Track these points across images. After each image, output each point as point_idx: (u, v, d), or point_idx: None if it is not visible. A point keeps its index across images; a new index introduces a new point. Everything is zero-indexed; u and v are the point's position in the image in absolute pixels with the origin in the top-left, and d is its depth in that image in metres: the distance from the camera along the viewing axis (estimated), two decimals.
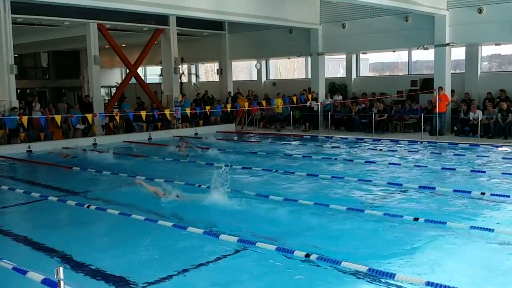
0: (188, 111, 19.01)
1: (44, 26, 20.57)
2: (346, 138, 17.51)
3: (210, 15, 17.44)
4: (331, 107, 20.69)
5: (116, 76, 32.46)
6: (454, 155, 13.51)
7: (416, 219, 7.07)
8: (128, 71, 22.36)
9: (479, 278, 5.24)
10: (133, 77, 21.95)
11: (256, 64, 26.01)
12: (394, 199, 8.64)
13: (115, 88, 28.56)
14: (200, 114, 20.64)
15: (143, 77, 26.91)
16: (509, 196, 8.34)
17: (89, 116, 16.47)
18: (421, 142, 15.98)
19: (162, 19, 20.83)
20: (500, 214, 7.62)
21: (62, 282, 3.58)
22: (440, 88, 17.62)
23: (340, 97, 21.39)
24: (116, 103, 22.48)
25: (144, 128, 19.73)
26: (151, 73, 31.44)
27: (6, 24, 16.19)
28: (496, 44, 18.60)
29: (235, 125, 22.16)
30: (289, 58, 25.47)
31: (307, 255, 5.52)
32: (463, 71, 19.70)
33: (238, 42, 24.69)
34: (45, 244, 6.48)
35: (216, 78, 27.35)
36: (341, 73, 25.07)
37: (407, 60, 21.99)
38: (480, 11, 17.12)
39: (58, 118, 16.19)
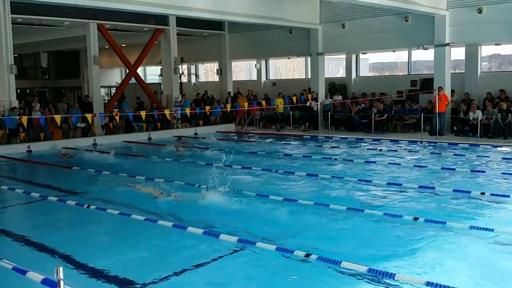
0: (188, 111, 19.02)
1: (44, 26, 20.57)
2: (346, 138, 17.51)
3: (210, 15, 17.44)
4: (331, 107, 20.70)
5: (116, 76, 32.46)
6: (454, 155, 13.51)
7: (416, 219, 7.08)
8: (128, 71, 22.36)
9: (479, 278, 5.24)
10: (133, 77, 21.95)
11: (256, 64, 26.01)
12: (394, 199, 8.64)
13: (115, 88, 28.56)
14: (200, 114, 20.65)
15: (143, 77, 26.91)
16: (509, 196, 8.34)
17: (89, 116, 16.48)
18: (421, 142, 15.98)
19: (162, 19, 20.83)
20: (500, 214, 7.63)
21: (62, 282, 3.58)
22: (440, 88, 17.63)
23: (340, 97, 21.39)
24: (116, 103, 22.49)
25: (144, 128, 19.73)
26: (151, 73, 31.44)
27: (6, 24, 16.19)
28: (496, 44, 18.60)
29: (235, 125, 22.17)
30: (289, 58, 25.47)
31: (307, 255, 5.52)
32: (463, 71, 19.69)
33: (238, 42, 24.69)
34: (45, 244, 6.49)
35: (216, 78, 27.35)
36: (341, 73, 25.07)
37: (407, 60, 21.99)
38: (480, 11, 17.13)
39: (58, 118, 16.19)
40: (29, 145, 15.98)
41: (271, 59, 25.90)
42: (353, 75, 22.76)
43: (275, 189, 9.37)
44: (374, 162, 12.37)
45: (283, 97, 21.10)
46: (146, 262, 5.81)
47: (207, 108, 19.50)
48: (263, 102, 19.95)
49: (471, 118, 16.99)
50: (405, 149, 14.82)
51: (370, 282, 5.03)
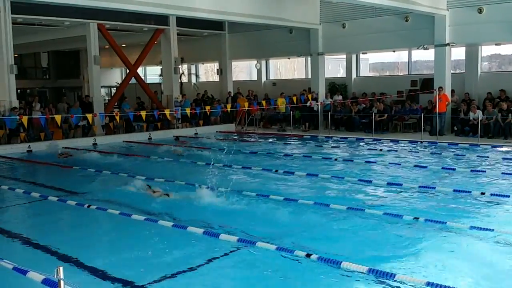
0: (188, 111, 19.02)
1: (44, 26, 20.58)
2: (346, 138, 17.51)
3: (210, 15, 17.44)
4: (331, 107, 20.69)
5: (116, 76, 32.47)
6: (454, 155, 13.51)
7: (416, 218, 7.07)
8: (128, 71, 22.36)
9: (479, 278, 5.24)
10: (133, 77, 21.95)
11: (256, 64, 26.01)
12: (394, 199, 8.64)
13: (115, 88, 28.56)
14: (200, 114, 20.66)
15: (143, 77, 26.91)
16: (509, 196, 8.34)
17: (89, 116, 16.48)
18: (421, 142, 15.98)
19: (162, 19, 20.83)
20: (500, 214, 7.63)
21: (62, 282, 3.58)
22: (440, 88, 17.62)
23: (340, 97, 21.39)
24: (116, 103, 22.49)
25: (144, 128, 19.73)
26: (151, 73, 31.44)
27: (6, 24, 16.19)
28: (496, 44, 18.60)
29: (235, 125, 22.17)
30: (289, 58, 25.48)
31: (308, 255, 5.52)
32: (463, 71, 19.69)
33: (238, 42, 24.69)
34: (45, 244, 6.48)
35: (216, 78, 27.35)
36: (341, 73, 25.08)
37: (407, 60, 21.99)
38: (480, 11, 17.12)
39: (58, 118, 16.19)
40: (29, 145, 15.99)
41: (271, 59, 25.90)
42: (353, 75, 22.75)
43: (275, 189, 9.36)
44: (374, 162, 12.37)
45: (284, 97, 21.10)
46: (146, 262, 5.80)
47: (207, 108, 19.50)
48: (263, 102, 19.95)
49: (471, 118, 16.98)
50: (405, 149, 14.83)
51: (371, 282, 5.03)
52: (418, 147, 15.18)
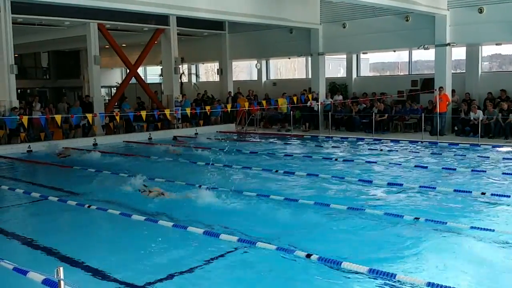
0: (188, 111, 19.02)
1: (44, 26, 20.58)
2: (347, 138, 17.51)
3: (211, 15, 17.44)
4: (331, 107, 20.68)
5: (116, 76, 32.47)
6: (455, 155, 13.50)
7: (416, 218, 7.06)
8: (128, 71, 22.36)
9: (480, 278, 5.24)
10: (133, 77, 21.95)
11: (256, 64, 26.01)
12: (394, 199, 8.63)
13: (115, 88, 28.56)
14: (200, 114, 20.65)
15: (143, 77, 26.90)
16: (509, 196, 8.33)
17: (89, 116, 16.48)
18: (422, 142, 15.97)
19: (163, 19, 20.83)
20: (500, 214, 7.62)
21: (62, 282, 3.58)
22: (441, 88, 17.62)
23: (341, 97, 21.38)
24: (116, 103, 22.49)
25: (144, 128, 19.73)
26: (151, 73, 31.44)
27: (6, 24, 16.19)
28: (496, 44, 18.58)
29: (235, 125, 22.17)
30: (289, 58, 25.46)
31: (308, 256, 5.51)
32: (464, 71, 19.68)
33: (238, 42, 24.68)
34: (45, 244, 6.48)
35: (216, 78, 27.34)
36: (341, 73, 25.07)
37: (407, 60, 21.98)
38: (480, 11, 17.12)
39: (58, 118, 16.19)
40: (29, 145, 15.99)
41: (271, 59, 25.90)
42: (354, 75, 22.74)
43: (275, 189, 9.35)
44: (375, 162, 12.37)
45: (285, 97, 21.09)
46: (147, 262, 5.80)
47: (208, 108, 19.50)
48: (264, 102, 19.95)
49: (471, 118, 16.98)
50: (405, 149, 14.82)
51: (371, 282, 5.02)
52: (418, 147, 15.17)
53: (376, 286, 4.97)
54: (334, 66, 26.46)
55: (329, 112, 19.82)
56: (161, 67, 23.80)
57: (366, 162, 12.48)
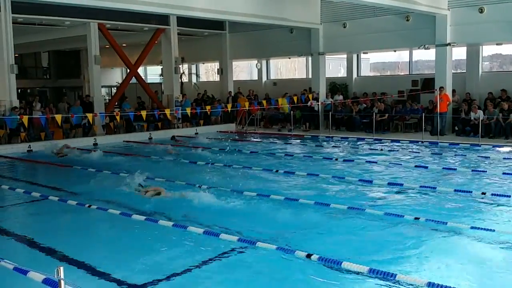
0: (188, 111, 19.02)
1: (44, 26, 20.58)
2: (347, 138, 17.50)
3: (211, 14, 17.44)
4: (331, 107, 20.68)
5: (116, 75, 32.48)
6: (455, 155, 13.50)
7: (417, 218, 7.06)
8: (128, 70, 22.37)
9: (480, 278, 5.24)
10: (133, 77, 21.95)
11: (256, 64, 26.01)
12: (395, 199, 8.63)
13: (115, 88, 28.57)
14: (201, 114, 20.65)
15: (143, 77, 26.90)
16: (510, 196, 8.33)
17: (89, 115, 16.48)
18: (422, 142, 15.97)
19: (163, 19, 20.83)
20: (501, 214, 7.62)
21: (62, 282, 3.58)
22: (441, 88, 17.61)
23: (341, 97, 21.38)
24: (116, 103, 22.50)
25: (145, 128, 19.74)
26: (152, 73, 31.45)
27: (6, 24, 16.19)
28: (497, 44, 18.58)
29: (235, 125, 22.17)
30: (289, 58, 25.46)
31: (308, 256, 5.50)
32: (464, 71, 19.67)
33: (238, 41, 24.68)
34: (46, 244, 6.48)
35: (216, 78, 27.35)
36: (342, 72, 25.06)
37: (408, 60, 21.98)
38: (481, 11, 17.11)
39: (58, 117, 16.19)
40: (29, 145, 15.99)
41: (272, 58, 25.90)
42: (354, 75, 22.74)
43: (276, 189, 9.34)
44: (375, 162, 12.36)
45: (286, 97, 21.10)
46: (147, 261, 5.79)
47: (208, 108, 19.50)
48: (264, 102, 19.95)
49: (472, 118, 16.97)
50: (406, 149, 14.81)
51: (371, 282, 5.02)
52: (419, 147, 15.17)
53: (377, 286, 4.97)
54: (335, 66, 26.45)
55: (330, 112, 19.82)
56: (162, 67, 23.80)
57: (366, 162, 12.48)
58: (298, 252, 5.63)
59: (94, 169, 11.95)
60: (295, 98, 20.33)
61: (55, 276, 3.57)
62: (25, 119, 15.11)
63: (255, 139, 18.49)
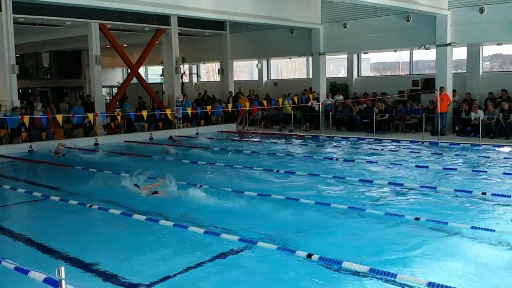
0: (189, 111, 19.02)
1: (45, 26, 20.61)
2: (348, 138, 17.51)
3: (212, 15, 17.44)
4: (332, 107, 20.68)
5: (117, 76, 32.50)
6: (456, 155, 13.50)
7: (417, 218, 7.06)
8: (129, 71, 22.39)
9: (480, 278, 5.24)
10: (134, 77, 21.97)
11: (257, 64, 26.02)
12: (395, 199, 8.64)
13: (116, 88, 28.58)
14: (201, 114, 20.66)
15: (144, 77, 26.92)
16: (510, 196, 8.32)
17: (90, 115, 16.49)
18: (423, 142, 15.97)
19: (164, 19, 20.84)
20: (501, 214, 7.62)
21: (63, 282, 3.59)
22: (442, 88, 17.61)
23: (341, 97, 21.38)
24: (117, 103, 22.51)
25: (146, 128, 19.76)
26: (153, 73, 31.46)
27: (7, 24, 16.21)
28: (497, 44, 18.58)
29: (236, 125, 22.17)
30: (290, 58, 25.46)
31: (309, 256, 5.51)
32: (465, 71, 19.67)
33: (239, 42, 24.69)
34: (46, 244, 6.50)
35: (217, 78, 27.36)
36: (342, 73, 25.06)
37: (408, 60, 21.98)
38: (481, 11, 17.11)
39: (59, 117, 16.21)
40: (30, 145, 16.01)
41: (272, 59, 25.91)
42: (355, 75, 22.74)
43: (276, 189, 9.35)
44: (376, 162, 12.37)
45: (284, 97, 21.10)
46: (148, 261, 5.81)
47: (209, 108, 19.51)
48: (265, 102, 19.96)
49: (472, 118, 16.97)
50: (406, 149, 14.81)
51: (372, 282, 5.03)
52: (419, 147, 15.17)
53: (377, 286, 4.98)
54: (335, 66, 26.46)
55: (330, 112, 19.82)
56: (162, 67, 23.81)
57: (366, 162, 12.48)
58: (299, 252, 5.63)
59: (95, 169, 11.97)
60: (295, 98, 20.33)
61: (56, 276, 3.59)
62: (26, 119, 15.13)
63: (255, 139, 18.50)
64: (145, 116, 17.87)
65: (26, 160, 14.51)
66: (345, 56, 22.94)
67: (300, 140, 17.76)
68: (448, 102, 17.69)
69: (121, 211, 7.85)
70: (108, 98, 29.13)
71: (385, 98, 20.11)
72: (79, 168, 12.35)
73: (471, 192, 8.75)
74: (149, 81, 27.40)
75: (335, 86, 22.67)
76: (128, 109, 19.95)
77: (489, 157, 12.92)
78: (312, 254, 5.49)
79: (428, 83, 19.65)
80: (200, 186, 9.42)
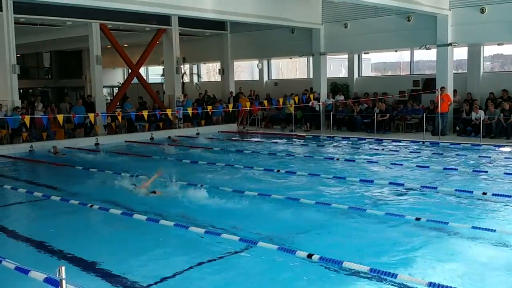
0: (189, 111, 19.02)
1: (46, 26, 20.62)
2: (348, 138, 17.50)
3: (212, 15, 17.45)
4: (333, 107, 20.68)
5: (118, 76, 32.51)
6: (456, 155, 13.49)
7: (418, 219, 7.06)
8: (130, 71, 22.40)
9: (481, 278, 5.24)
10: (135, 77, 21.97)
11: (258, 64, 26.02)
12: (396, 199, 8.63)
13: (117, 88, 28.60)
14: (202, 114, 20.66)
15: (145, 77, 26.95)
16: (511, 196, 8.32)
17: (91, 115, 16.50)
18: (423, 142, 15.96)
19: (164, 19, 20.85)
20: (502, 214, 7.62)
21: (64, 281, 3.59)
22: (442, 88, 17.60)
23: (342, 97, 21.38)
24: (118, 103, 22.52)
25: (146, 128, 19.76)
26: (153, 73, 31.47)
27: (8, 24, 16.23)
28: (498, 44, 18.57)
29: (237, 125, 22.18)
30: (291, 58, 25.47)
31: (309, 256, 5.51)
32: (465, 71, 19.67)
33: (240, 42, 24.69)
34: (47, 243, 6.50)
35: (218, 78, 27.36)
36: (343, 73, 25.06)
37: (409, 60, 21.97)
38: (482, 11, 17.10)
39: (60, 117, 16.22)
40: (31, 145, 16.02)
41: (273, 59, 25.91)
42: (355, 75, 22.74)
43: (277, 189, 9.35)
44: (376, 162, 12.37)
45: (285, 97, 21.10)
46: (149, 261, 5.81)
47: (209, 108, 19.51)
48: (265, 102, 19.96)
49: (473, 118, 16.96)
50: (407, 149, 14.81)
51: (372, 282, 5.03)
52: (420, 147, 15.16)
53: (377, 286, 4.98)
54: (336, 66, 26.46)
55: (331, 112, 19.83)
56: (163, 67, 23.83)
57: (367, 162, 12.48)
58: (299, 252, 5.63)
59: (96, 169, 11.97)
60: (296, 98, 20.32)
61: (57, 276, 3.59)
62: (27, 119, 15.15)
63: (256, 139, 18.50)
64: (145, 116, 17.86)
65: (27, 160, 14.52)
66: (346, 56, 22.94)
67: (301, 140, 17.75)
68: (449, 102, 17.68)
69: (121, 211, 7.86)
70: (109, 98, 29.14)
71: (386, 98, 20.11)
72: (80, 168, 12.36)
73: (472, 192, 8.74)
74: (150, 81, 27.41)
75: (336, 86, 22.67)
76: (128, 109, 19.96)
77: (490, 157, 12.92)
78: (313, 254, 5.49)
79: (429, 83, 19.64)
80: (201, 186, 9.42)
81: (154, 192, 8.86)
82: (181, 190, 8.99)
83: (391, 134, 18.53)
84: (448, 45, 17.81)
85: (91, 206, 8.26)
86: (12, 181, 11.39)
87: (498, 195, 8.46)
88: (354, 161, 12.72)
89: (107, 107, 20.65)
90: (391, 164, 12.10)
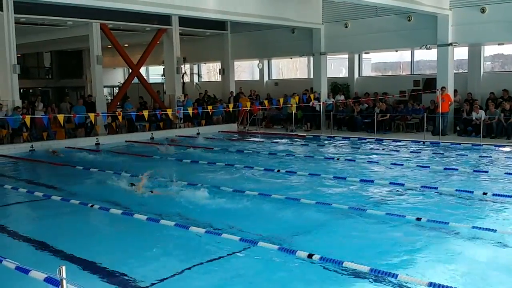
0: (190, 110, 19.02)
1: (47, 26, 20.62)
2: (349, 138, 17.50)
3: (213, 15, 17.44)
4: (333, 107, 20.68)
5: (118, 75, 32.51)
6: (457, 155, 13.49)
7: (418, 219, 7.06)
8: (130, 71, 22.40)
9: (481, 278, 5.24)
10: (135, 77, 21.98)
11: (258, 64, 26.02)
12: (396, 199, 8.63)
13: (117, 88, 28.60)
14: (202, 113, 20.67)
15: (145, 77, 26.95)
16: (511, 196, 8.32)
17: (92, 115, 16.49)
18: (424, 142, 15.96)
19: (165, 19, 20.85)
20: (502, 214, 7.62)
21: (64, 281, 3.59)
22: (443, 88, 17.60)
23: (343, 97, 21.37)
24: (118, 103, 22.53)
25: (147, 128, 19.76)
26: (154, 73, 31.48)
27: (9, 24, 16.23)
28: (499, 44, 18.56)
29: (237, 124, 22.18)
30: (291, 58, 25.47)
31: (310, 256, 5.51)
32: (466, 71, 19.66)
33: (240, 42, 24.69)
34: (48, 243, 6.50)
35: (218, 78, 27.36)
36: (343, 73, 25.05)
37: (409, 60, 21.97)
38: (483, 10, 17.09)
39: (60, 117, 16.23)
40: (32, 145, 16.02)
41: (273, 59, 25.91)
42: (356, 75, 22.73)
43: (277, 189, 9.35)
44: (377, 162, 12.36)
45: (285, 97, 21.09)
46: (149, 261, 5.81)
47: (210, 107, 19.51)
48: (266, 102, 19.95)
49: (474, 118, 16.96)
50: (407, 149, 14.81)
51: (373, 282, 5.03)
52: (420, 147, 15.16)
53: (378, 286, 4.98)
54: (336, 66, 26.45)
55: (331, 112, 19.82)
56: (163, 67, 23.83)
57: (367, 162, 12.48)
58: (300, 252, 5.63)
59: (96, 168, 11.97)
60: (296, 98, 20.32)
61: (57, 276, 3.59)
62: (27, 119, 15.16)
63: (256, 139, 18.50)
64: (146, 116, 17.88)
65: (27, 160, 14.52)
66: (346, 56, 22.93)
67: (301, 140, 17.75)
68: (449, 102, 17.67)
69: (122, 211, 7.86)
70: (109, 98, 29.15)
71: (386, 98, 20.10)
72: (80, 168, 12.36)
73: (472, 192, 8.74)
74: (150, 81, 27.39)
75: (336, 86, 22.66)
76: (129, 109, 19.96)
77: (491, 157, 12.91)
78: (313, 254, 5.49)
79: (429, 83, 19.62)
80: (201, 185, 9.42)
81: (152, 192, 8.86)
82: (181, 190, 8.98)
83: (391, 134, 18.53)
84: (448, 45, 17.80)
85: (91, 206, 8.26)
86: (12, 181, 11.39)
87: (499, 195, 8.46)
88: (354, 161, 12.72)
89: (108, 107, 20.65)
90: (391, 164, 12.10)
